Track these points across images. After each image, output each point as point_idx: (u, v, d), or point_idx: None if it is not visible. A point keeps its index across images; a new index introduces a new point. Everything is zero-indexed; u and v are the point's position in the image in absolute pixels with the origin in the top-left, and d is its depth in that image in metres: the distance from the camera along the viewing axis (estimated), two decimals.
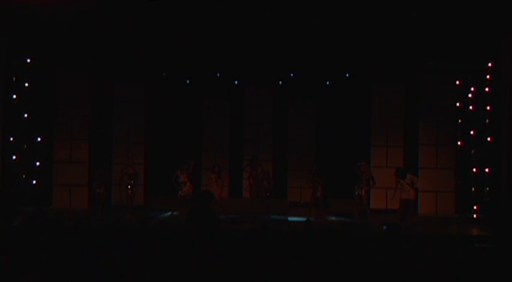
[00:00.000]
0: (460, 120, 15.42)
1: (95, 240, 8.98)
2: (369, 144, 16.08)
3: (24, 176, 15.41)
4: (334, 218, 13.31)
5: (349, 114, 16.72)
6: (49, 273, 6.71)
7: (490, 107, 14.80)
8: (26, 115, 15.41)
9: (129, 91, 16.22)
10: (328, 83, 16.20)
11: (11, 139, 14.98)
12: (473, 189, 15.13)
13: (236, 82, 16.47)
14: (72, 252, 7.90)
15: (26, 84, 15.37)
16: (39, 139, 15.62)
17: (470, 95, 15.36)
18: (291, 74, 15.88)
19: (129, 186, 14.17)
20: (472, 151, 15.26)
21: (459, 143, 15.35)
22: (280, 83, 16.26)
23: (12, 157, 15.01)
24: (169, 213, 13.80)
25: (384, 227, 12.35)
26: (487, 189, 14.83)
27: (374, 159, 15.82)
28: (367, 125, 16.23)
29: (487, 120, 14.92)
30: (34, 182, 15.48)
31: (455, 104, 15.31)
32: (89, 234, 9.62)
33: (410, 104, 15.79)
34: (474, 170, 15.10)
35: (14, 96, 15.09)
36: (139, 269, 6.55)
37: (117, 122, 16.28)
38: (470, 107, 15.31)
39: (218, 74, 16.01)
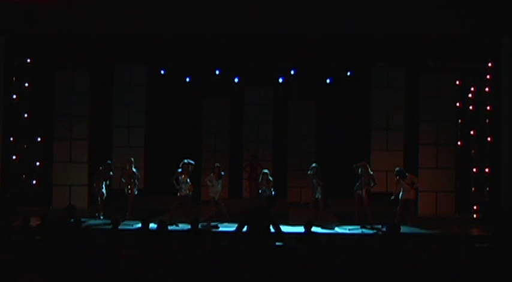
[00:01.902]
0: (460, 120, 15.41)
1: (94, 240, 9.01)
2: (369, 143, 16.14)
3: (24, 176, 15.44)
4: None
5: (349, 113, 16.76)
6: (49, 273, 6.72)
7: (490, 107, 14.80)
8: (26, 115, 15.43)
9: (129, 90, 16.24)
10: (328, 81, 16.21)
11: (11, 139, 15.00)
12: (473, 189, 15.12)
13: (236, 81, 16.47)
14: (72, 252, 7.91)
15: (26, 84, 15.40)
16: (39, 139, 15.63)
17: (470, 95, 15.35)
18: (292, 72, 15.88)
19: (128, 186, 14.16)
20: (472, 151, 15.25)
21: (459, 143, 15.34)
22: (281, 81, 16.26)
23: (12, 157, 15.03)
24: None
25: (384, 228, 12.41)
26: (487, 189, 14.83)
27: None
28: (367, 124, 16.27)
29: (487, 120, 14.92)
30: (34, 182, 15.49)
31: (455, 104, 15.31)
32: (89, 234, 9.64)
33: (410, 104, 15.80)
34: (474, 170, 15.09)
35: (14, 96, 15.12)
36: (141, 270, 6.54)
37: (117, 121, 16.31)
38: (470, 107, 15.30)
39: (218, 73, 16.01)
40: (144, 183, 15.53)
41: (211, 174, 13.97)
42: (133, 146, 16.05)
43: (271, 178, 13.76)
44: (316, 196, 13.75)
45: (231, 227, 12.90)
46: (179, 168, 13.62)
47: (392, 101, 16.04)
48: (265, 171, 13.96)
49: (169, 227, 12.34)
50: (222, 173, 14.07)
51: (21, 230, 9.73)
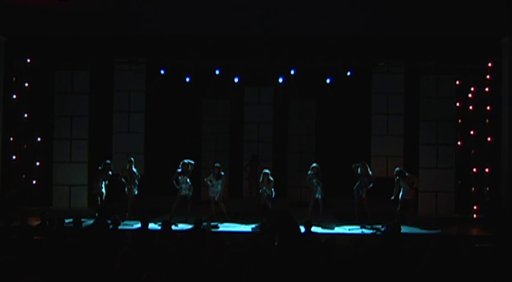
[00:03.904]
0: (460, 120, 15.41)
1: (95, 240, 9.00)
2: (369, 142, 16.14)
3: (24, 176, 15.43)
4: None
5: (349, 113, 16.76)
6: (49, 273, 6.71)
7: (490, 107, 14.81)
8: (26, 115, 15.43)
9: (128, 89, 16.22)
10: (328, 81, 16.22)
11: (11, 139, 15.00)
12: (473, 189, 15.12)
13: (236, 81, 16.47)
14: (72, 252, 7.91)
15: (26, 84, 15.40)
16: (39, 139, 15.63)
17: (470, 95, 15.36)
18: (292, 72, 15.89)
19: (128, 186, 14.14)
20: (472, 151, 15.25)
21: (459, 143, 15.34)
22: (281, 81, 16.26)
23: (12, 157, 15.03)
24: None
25: (384, 228, 12.42)
26: (487, 189, 14.83)
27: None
28: (367, 123, 16.28)
29: (487, 120, 14.92)
30: (34, 182, 15.49)
31: (455, 104, 15.30)
32: (89, 234, 9.64)
33: (410, 103, 15.80)
34: (474, 170, 15.09)
35: (14, 96, 15.12)
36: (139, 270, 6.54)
37: (117, 121, 16.30)
38: (470, 107, 15.30)
39: (218, 73, 16.01)
40: (145, 183, 15.43)
41: (211, 174, 13.97)
42: (133, 146, 16.02)
43: (272, 178, 13.75)
44: (317, 196, 13.75)
45: (231, 227, 12.94)
46: (179, 168, 13.63)
47: (392, 101, 16.04)
48: (266, 171, 13.94)
49: None
50: (222, 173, 14.08)
51: (20, 230, 9.73)
